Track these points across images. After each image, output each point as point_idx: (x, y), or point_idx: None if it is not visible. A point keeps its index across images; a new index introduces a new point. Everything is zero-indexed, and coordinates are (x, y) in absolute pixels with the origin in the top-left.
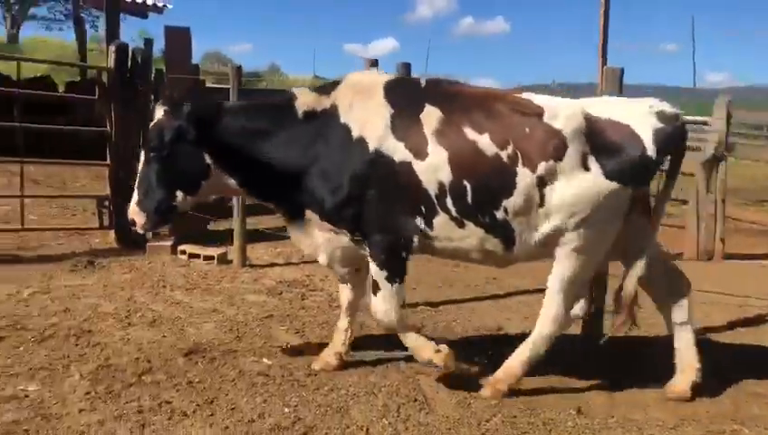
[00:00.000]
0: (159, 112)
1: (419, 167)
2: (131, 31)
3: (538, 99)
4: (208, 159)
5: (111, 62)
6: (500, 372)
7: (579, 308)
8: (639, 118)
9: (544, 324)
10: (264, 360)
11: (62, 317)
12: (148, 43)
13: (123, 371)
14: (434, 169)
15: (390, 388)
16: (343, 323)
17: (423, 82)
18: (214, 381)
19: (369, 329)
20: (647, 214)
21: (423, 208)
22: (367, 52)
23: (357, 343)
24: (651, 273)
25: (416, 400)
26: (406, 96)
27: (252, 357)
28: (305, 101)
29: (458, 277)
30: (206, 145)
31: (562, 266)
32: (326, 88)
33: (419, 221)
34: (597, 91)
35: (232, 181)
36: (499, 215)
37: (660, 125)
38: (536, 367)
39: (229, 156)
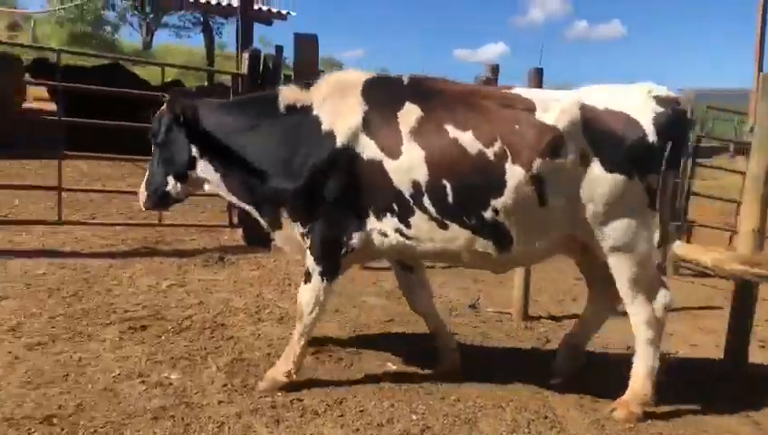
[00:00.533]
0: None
1: (391, 165)
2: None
3: (529, 93)
4: (194, 151)
5: (245, 68)
6: (628, 395)
7: (662, 298)
8: (638, 104)
9: (640, 332)
10: (389, 364)
11: (197, 310)
12: (279, 49)
13: (256, 365)
14: (408, 167)
15: (518, 402)
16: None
17: (406, 80)
18: (341, 381)
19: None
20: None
21: (395, 207)
22: (476, 56)
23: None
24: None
25: (546, 417)
26: (385, 94)
27: (376, 361)
28: (287, 96)
29: (581, 291)
30: (191, 137)
31: (617, 270)
32: (310, 84)
33: (384, 221)
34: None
35: (217, 175)
36: (488, 215)
37: (660, 109)
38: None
39: (211, 148)
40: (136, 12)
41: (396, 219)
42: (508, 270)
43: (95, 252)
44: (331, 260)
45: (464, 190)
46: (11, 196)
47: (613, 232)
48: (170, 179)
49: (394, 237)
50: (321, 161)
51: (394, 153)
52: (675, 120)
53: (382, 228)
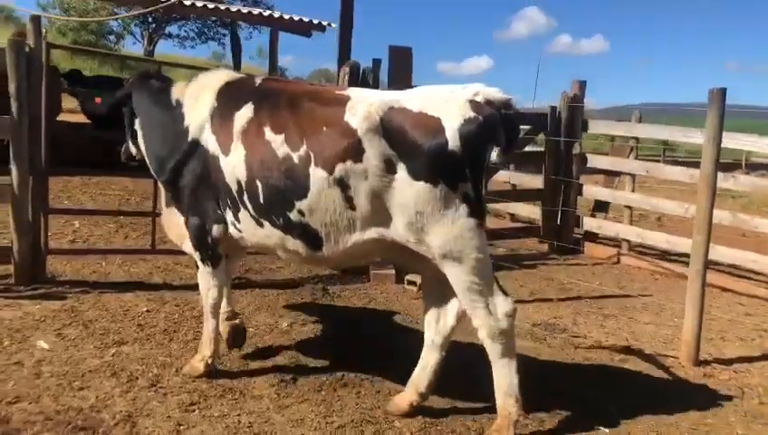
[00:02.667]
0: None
1: (224, 163)
2: (250, 49)
3: (356, 94)
4: (136, 124)
5: (345, 82)
6: (498, 420)
7: (503, 307)
8: (451, 108)
9: (488, 347)
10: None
11: (333, 352)
12: (377, 63)
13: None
14: (233, 166)
15: None
16: None
17: (257, 82)
18: None
19: None
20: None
21: (229, 202)
22: (460, 69)
23: None
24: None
25: None
26: (234, 95)
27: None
28: (175, 91)
29: (731, 326)
30: (132, 113)
31: (451, 281)
32: (189, 81)
33: (227, 213)
34: None
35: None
36: (293, 216)
37: (471, 115)
38: None
39: (140, 127)
40: (138, 21)
41: (231, 213)
42: (334, 267)
43: (187, 284)
44: (205, 248)
45: (272, 192)
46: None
47: (436, 240)
48: (130, 142)
49: (234, 230)
50: (181, 153)
51: (226, 151)
52: (487, 126)
53: (230, 220)
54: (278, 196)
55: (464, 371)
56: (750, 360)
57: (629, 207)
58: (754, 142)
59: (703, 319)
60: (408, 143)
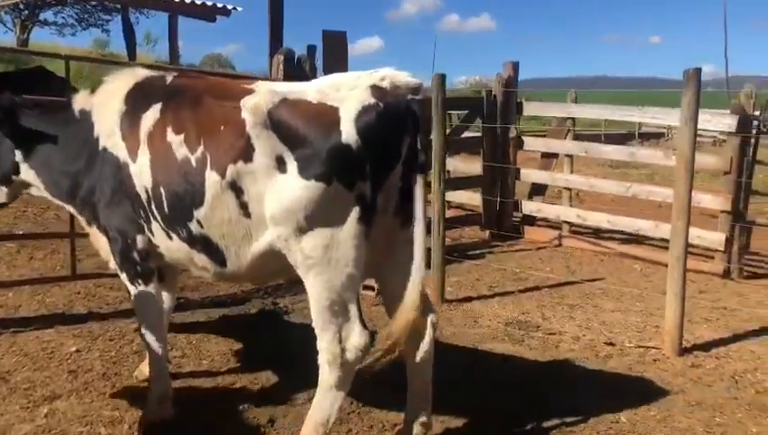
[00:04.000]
0: None
1: (132, 169)
2: (138, 36)
3: (260, 86)
4: (19, 157)
5: (278, 72)
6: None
7: (357, 338)
8: (351, 97)
9: (323, 373)
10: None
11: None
12: (312, 50)
13: None
14: (139, 173)
15: None
16: None
17: (169, 79)
18: None
19: None
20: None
21: (142, 212)
22: (352, 51)
23: None
24: (397, 295)
25: None
26: (143, 95)
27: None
28: (78, 100)
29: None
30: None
31: (309, 294)
32: (95, 87)
33: (143, 226)
34: None
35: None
36: (193, 227)
37: (370, 102)
38: None
39: (29, 151)
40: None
41: (145, 225)
42: (253, 283)
43: (117, 310)
44: (131, 263)
45: (174, 199)
46: None
47: (309, 244)
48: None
49: (152, 244)
50: (95, 165)
51: (134, 157)
52: (389, 115)
53: (146, 233)
54: (179, 204)
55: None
56: (724, 343)
57: (569, 189)
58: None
59: (684, 307)
60: (299, 138)
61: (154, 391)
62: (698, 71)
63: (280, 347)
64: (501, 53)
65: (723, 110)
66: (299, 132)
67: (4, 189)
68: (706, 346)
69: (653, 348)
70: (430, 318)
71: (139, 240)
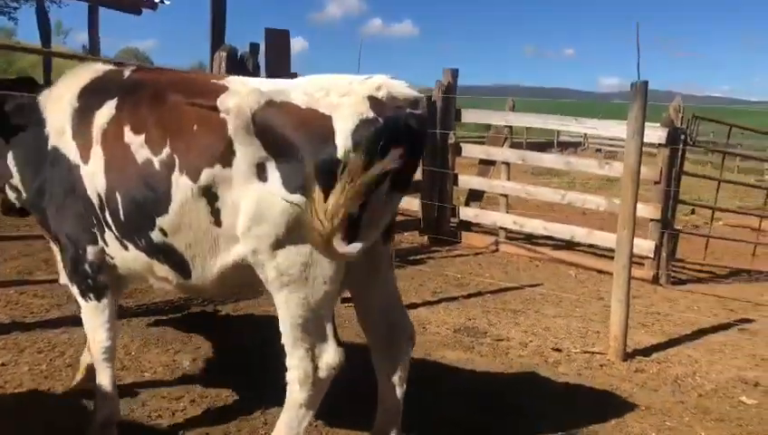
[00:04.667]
0: None
1: (83, 171)
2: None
3: (235, 83)
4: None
5: (222, 70)
6: None
7: (330, 357)
8: (347, 106)
9: (292, 392)
10: None
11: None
12: (254, 48)
13: None
14: (92, 176)
15: None
16: None
17: (126, 73)
18: None
19: None
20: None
21: (94, 219)
22: None
23: None
24: (375, 311)
25: None
26: (97, 91)
27: None
28: (41, 98)
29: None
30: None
31: (280, 310)
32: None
33: (96, 235)
34: None
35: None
36: (155, 236)
37: (369, 115)
38: None
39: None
40: None
41: (98, 233)
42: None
43: (44, 319)
44: (82, 277)
45: (132, 205)
46: None
47: (283, 263)
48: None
49: (105, 254)
50: (43, 166)
51: (85, 159)
52: (387, 131)
53: (99, 242)
54: (138, 210)
55: None
56: (662, 347)
57: (505, 196)
58: (563, 123)
59: (629, 313)
60: (285, 146)
61: (99, 416)
62: (645, 84)
63: (227, 356)
64: (423, 59)
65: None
66: (286, 140)
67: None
68: (647, 351)
69: (598, 353)
70: (408, 332)
71: (90, 252)
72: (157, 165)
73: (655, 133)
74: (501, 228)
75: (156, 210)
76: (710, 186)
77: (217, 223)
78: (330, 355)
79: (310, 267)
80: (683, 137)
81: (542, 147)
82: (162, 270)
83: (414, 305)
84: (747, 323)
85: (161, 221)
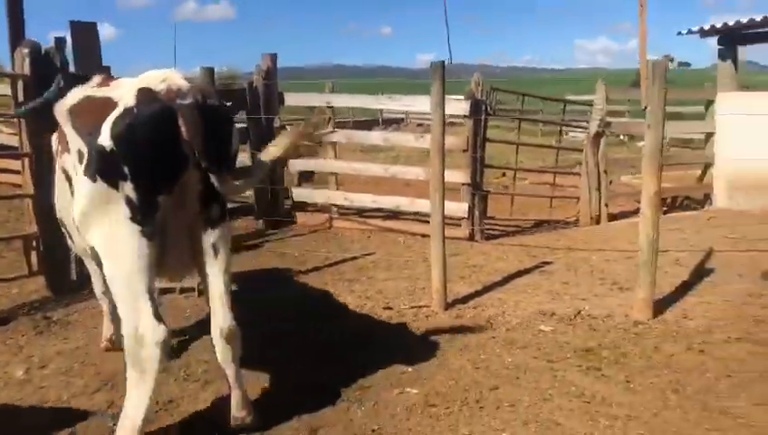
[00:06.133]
0: None
1: None
2: None
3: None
4: None
5: (26, 68)
6: None
7: (152, 334)
8: (123, 98)
9: (127, 370)
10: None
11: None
12: (60, 42)
13: None
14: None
15: None
16: None
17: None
18: None
19: None
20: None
21: None
22: None
23: None
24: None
25: None
26: None
27: None
28: None
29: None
30: None
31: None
32: None
33: None
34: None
35: None
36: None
37: (128, 106)
38: None
39: None
40: None
41: None
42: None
43: None
44: None
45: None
46: None
47: (91, 240)
48: None
49: None
50: None
51: None
52: (143, 120)
53: None
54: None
55: None
56: (478, 295)
57: (335, 174)
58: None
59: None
60: (83, 135)
61: None
62: (442, 63)
63: (61, 362)
64: (242, 41)
65: (452, 95)
66: (83, 130)
67: None
68: (465, 299)
69: (424, 307)
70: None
71: None
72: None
73: (459, 106)
74: (333, 205)
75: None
76: (512, 149)
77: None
78: (149, 333)
79: (109, 245)
80: (484, 107)
81: (369, 125)
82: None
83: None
84: (546, 266)
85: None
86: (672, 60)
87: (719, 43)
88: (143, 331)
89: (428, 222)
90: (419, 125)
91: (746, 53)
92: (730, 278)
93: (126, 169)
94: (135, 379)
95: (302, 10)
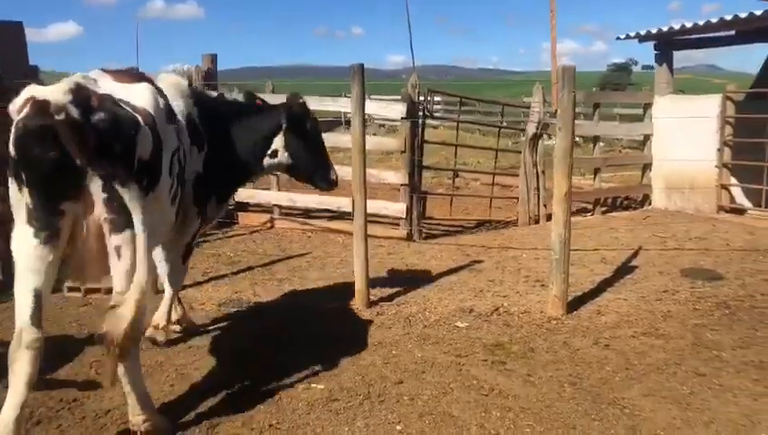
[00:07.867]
0: None
1: None
2: None
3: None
4: None
5: None
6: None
7: (26, 335)
8: (23, 107)
9: None
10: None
11: None
12: None
13: None
14: None
15: None
16: None
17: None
18: None
19: None
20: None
21: None
22: (46, 36)
23: None
24: None
25: None
26: None
27: None
28: None
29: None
30: None
31: None
32: None
33: None
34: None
35: None
36: None
37: (20, 117)
38: None
39: None
40: None
41: None
42: None
43: None
44: None
45: None
46: None
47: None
48: None
49: None
50: None
51: None
52: (24, 133)
53: None
54: None
55: None
56: (404, 293)
57: (277, 175)
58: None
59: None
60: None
61: None
62: (361, 66)
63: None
64: (210, 41)
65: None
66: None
67: None
68: (391, 297)
69: (348, 306)
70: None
71: None
72: None
73: (396, 108)
74: (275, 206)
75: None
76: (471, 151)
77: None
78: (25, 333)
79: (14, 244)
80: (422, 109)
81: (330, 125)
82: None
83: (182, 287)
84: (477, 264)
85: None
86: (636, 63)
87: (655, 49)
88: (19, 331)
89: (369, 222)
90: (381, 126)
91: (714, 57)
92: (651, 275)
93: (23, 176)
94: (9, 378)
95: (273, 11)
